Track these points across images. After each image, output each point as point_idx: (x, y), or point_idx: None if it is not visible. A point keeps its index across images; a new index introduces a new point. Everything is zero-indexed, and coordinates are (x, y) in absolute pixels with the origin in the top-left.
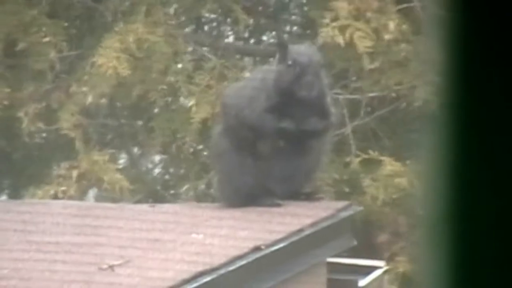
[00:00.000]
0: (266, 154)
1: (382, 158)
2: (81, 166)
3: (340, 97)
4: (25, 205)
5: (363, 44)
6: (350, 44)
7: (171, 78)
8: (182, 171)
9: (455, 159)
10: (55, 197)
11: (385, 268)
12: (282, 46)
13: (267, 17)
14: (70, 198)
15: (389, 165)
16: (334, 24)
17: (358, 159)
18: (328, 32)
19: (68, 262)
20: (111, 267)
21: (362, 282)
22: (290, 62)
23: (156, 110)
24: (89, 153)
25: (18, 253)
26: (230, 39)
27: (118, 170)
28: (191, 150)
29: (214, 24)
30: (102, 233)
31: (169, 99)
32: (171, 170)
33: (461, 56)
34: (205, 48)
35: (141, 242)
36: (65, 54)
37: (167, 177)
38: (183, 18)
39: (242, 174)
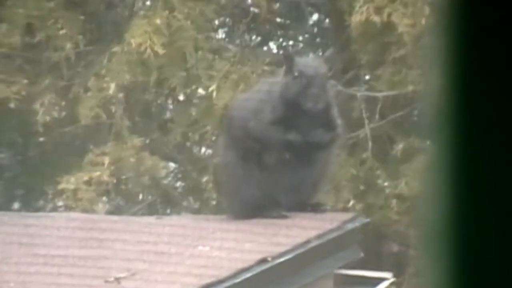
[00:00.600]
0: (272, 166)
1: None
2: (112, 152)
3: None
4: (30, 218)
5: (404, 22)
6: (388, 23)
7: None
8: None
9: (458, 163)
10: (89, 184)
11: (392, 279)
12: (288, 58)
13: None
14: (103, 184)
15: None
16: (369, 5)
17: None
18: (362, 13)
19: (74, 275)
20: (117, 279)
21: None
22: (296, 74)
23: (180, 97)
24: (118, 140)
25: (24, 266)
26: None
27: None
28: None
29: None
30: (108, 246)
31: (192, 87)
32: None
33: (462, 57)
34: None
35: (147, 255)
36: (81, 48)
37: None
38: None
39: (248, 185)
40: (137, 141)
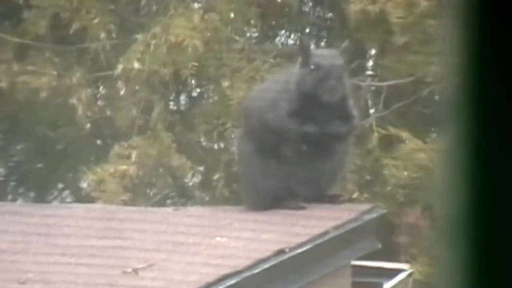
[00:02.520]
0: (289, 157)
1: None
2: (139, 147)
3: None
4: (48, 208)
5: (396, 14)
6: (382, 14)
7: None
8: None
9: (471, 152)
10: (114, 176)
11: (410, 270)
12: (304, 50)
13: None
14: (128, 177)
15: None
16: None
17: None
18: (357, 3)
19: (92, 266)
20: (135, 270)
21: (387, 285)
22: (312, 66)
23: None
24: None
25: (42, 256)
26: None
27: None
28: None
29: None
30: (126, 236)
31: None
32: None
33: (478, 48)
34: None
35: (165, 246)
36: (114, 37)
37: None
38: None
39: (266, 177)
40: (166, 138)
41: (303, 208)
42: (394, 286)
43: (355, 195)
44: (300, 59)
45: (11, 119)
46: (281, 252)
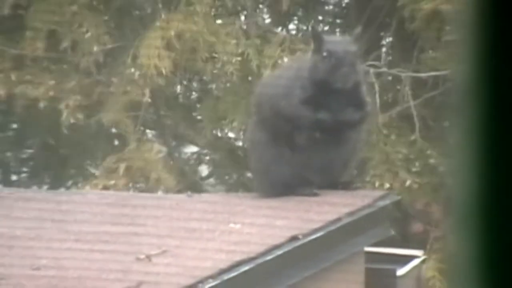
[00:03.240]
0: (302, 145)
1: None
2: (129, 159)
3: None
4: (62, 195)
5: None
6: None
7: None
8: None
9: (485, 143)
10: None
11: (423, 257)
12: (317, 37)
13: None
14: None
15: None
16: None
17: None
18: None
19: (106, 252)
20: (149, 256)
21: (401, 271)
22: (325, 54)
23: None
24: (135, 146)
25: (56, 243)
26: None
27: (165, 164)
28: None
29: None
30: (140, 223)
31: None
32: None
33: (487, 44)
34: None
35: (178, 232)
36: (107, 47)
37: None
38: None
39: (279, 164)
40: (157, 147)
41: (316, 195)
42: (408, 272)
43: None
44: (312, 46)
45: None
46: (294, 238)
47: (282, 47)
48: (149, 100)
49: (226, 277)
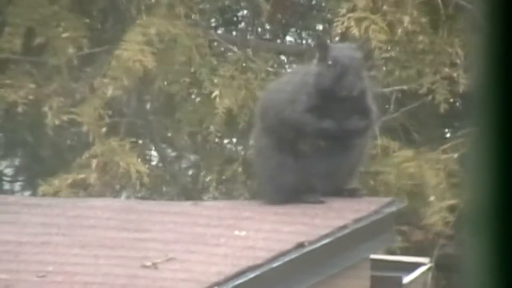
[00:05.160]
0: (307, 153)
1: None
2: (100, 155)
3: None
4: (69, 202)
5: (377, 38)
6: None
7: (194, 70)
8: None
9: (498, 148)
10: (74, 185)
11: (430, 265)
12: (322, 46)
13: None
14: (90, 187)
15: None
16: (350, 15)
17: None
18: (344, 23)
19: (112, 258)
20: (155, 263)
21: (407, 279)
22: (330, 62)
23: (180, 102)
24: (107, 142)
25: (62, 249)
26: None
27: (142, 160)
28: (216, 140)
29: (239, 19)
30: (146, 229)
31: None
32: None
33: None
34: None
35: (185, 238)
36: (87, 50)
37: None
38: (206, 10)
39: (284, 172)
40: (128, 142)
41: (322, 202)
42: (414, 280)
43: None
44: (317, 55)
45: None
46: (301, 245)
47: (235, 66)
48: (128, 96)
49: (232, 284)
